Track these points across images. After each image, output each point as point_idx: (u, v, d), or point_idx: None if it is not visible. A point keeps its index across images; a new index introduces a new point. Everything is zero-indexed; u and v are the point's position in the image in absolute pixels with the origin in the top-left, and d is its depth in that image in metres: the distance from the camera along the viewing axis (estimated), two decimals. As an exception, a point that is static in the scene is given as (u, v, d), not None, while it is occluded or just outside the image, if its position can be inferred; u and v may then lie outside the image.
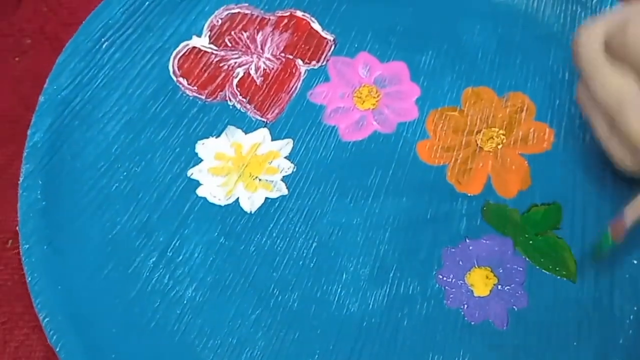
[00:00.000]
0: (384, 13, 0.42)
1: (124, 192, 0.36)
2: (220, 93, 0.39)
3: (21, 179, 0.34)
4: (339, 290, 0.33)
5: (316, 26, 0.41)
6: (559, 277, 0.33)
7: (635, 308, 0.32)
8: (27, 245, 0.33)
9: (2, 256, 0.35)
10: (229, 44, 0.41)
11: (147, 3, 0.40)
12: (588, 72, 0.32)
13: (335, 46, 0.41)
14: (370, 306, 0.33)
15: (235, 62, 0.40)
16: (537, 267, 0.33)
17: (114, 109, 0.38)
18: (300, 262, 0.34)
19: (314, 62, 0.40)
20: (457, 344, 0.32)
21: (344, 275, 0.34)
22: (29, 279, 0.32)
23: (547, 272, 0.33)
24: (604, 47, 0.32)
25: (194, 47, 0.41)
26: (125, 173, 0.37)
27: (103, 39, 0.39)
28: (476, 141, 0.37)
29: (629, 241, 0.33)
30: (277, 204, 0.36)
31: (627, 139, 0.31)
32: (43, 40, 0.42)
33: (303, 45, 0.41)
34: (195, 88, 0.39)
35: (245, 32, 0.41)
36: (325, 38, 0.41)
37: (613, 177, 0.35)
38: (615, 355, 0.31)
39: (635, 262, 0.33)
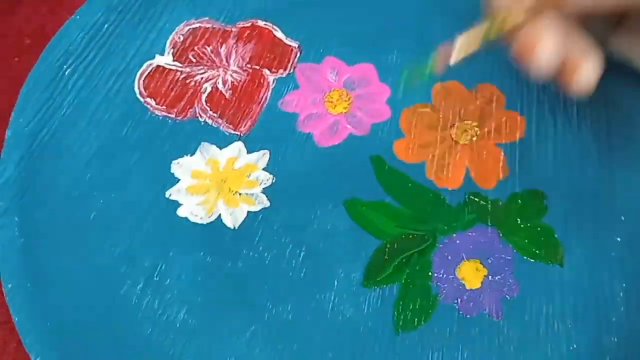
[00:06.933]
0: (345, 16, 0.42)
1: (102, 220, 0.35)
2: (190, 110, 0.39)
3: (-4, 218, 0.33)
4: (332, 297, 0.33)
5: (279, 34, 0.41)
6: (546, 263, 0.33)
7: (624, 285, 0.32)
8: (10, 285, 0.32)
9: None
10: (194, 60, 0.40)
11: (105, 26, 0.39)
12: None
13: (300, 53, 0.40)
14: (365, 310, 0.33)
15: (202, 78, 0.40)
16: (525, 255, 0.34)
17: (83, 137, 0.37)
18: (290, 273, 0.34)
19: (281, 71, 0.40)
20: (455, 339, 0.32)
21: (336, 282, 0.34)
22: (16, 319, 0.31)
23: (535, 259, 0.33)
24: None
25: (158, 66, 0.40)
26: (101, 201, 0.36)
27: (65, 67, 0.38)
28: (451, 135, 0.37)
29: (610, 220, 0.34)
30: (260, 217, 0.35)
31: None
32: (42, 41, 0.41)
33: (268, 55, 0.40)
34: (164, 107, 0.39)
35: (209, 46, 0.41)
36: (290, 45, 0.41)
37: (590, 158, 0.36)
38: (610, 332, 0.31)
39: (619, 239, 0.33)
